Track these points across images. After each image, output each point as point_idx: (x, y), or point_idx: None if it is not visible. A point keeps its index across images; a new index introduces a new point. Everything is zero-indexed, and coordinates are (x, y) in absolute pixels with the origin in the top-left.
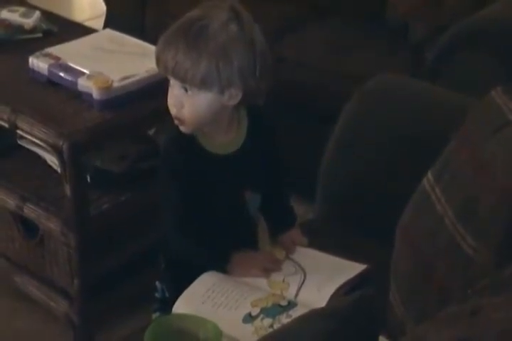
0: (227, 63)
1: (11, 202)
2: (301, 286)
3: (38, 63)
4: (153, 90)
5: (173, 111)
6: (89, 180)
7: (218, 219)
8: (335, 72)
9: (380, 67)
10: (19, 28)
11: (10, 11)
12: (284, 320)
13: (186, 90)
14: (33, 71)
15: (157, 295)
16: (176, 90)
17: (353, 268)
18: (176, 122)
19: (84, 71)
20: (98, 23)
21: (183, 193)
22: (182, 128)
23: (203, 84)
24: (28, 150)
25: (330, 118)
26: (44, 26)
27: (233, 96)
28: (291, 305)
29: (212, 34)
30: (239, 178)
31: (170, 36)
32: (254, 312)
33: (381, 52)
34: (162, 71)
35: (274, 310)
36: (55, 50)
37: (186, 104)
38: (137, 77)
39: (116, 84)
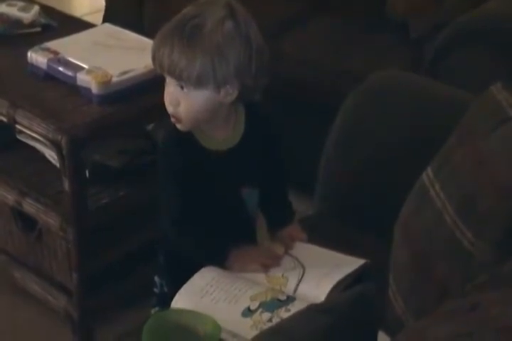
0: (222, 61)
1: (9, 197)
2: (300, 281)
3: (37, 58)
4: (152, 85)
5: (169, 109)
6: (87, 174)
7: (216, 215)
8: (335, 70)
9: (380, 64)
10: (18, 23)
11: (9, 5)
12: (283, 314)
13: (182, 88)
14: (32, 65)
15: (156, 290)
16: (171, 88)
17: (352, 263)
18: (173, 120)
19: (83, 66)
20: (97, 18)
21: (181, 190)
22: (179, 126)
23: (199, 83)
24: (26, 145)
25: (330, 115)
26: (43, 21)
27: (229, 94)
28: (290, 299)
29: (208, 32)
30: (237, 174)
31: (165, 34)
32: (253, 306)
33: (381, 49)
34: (158, 69)
35: (273, 304)
36: (53, 44)
37: (182, 102)
38: (136, 72)
39: (115, 79)
